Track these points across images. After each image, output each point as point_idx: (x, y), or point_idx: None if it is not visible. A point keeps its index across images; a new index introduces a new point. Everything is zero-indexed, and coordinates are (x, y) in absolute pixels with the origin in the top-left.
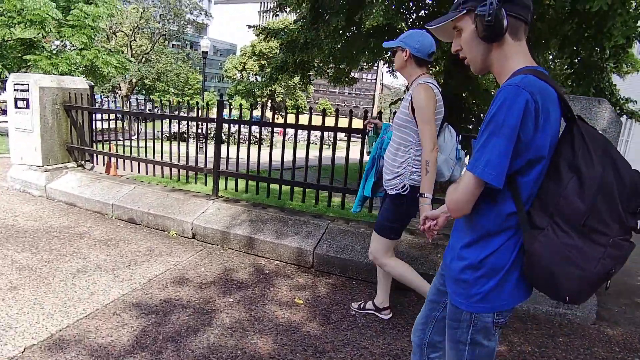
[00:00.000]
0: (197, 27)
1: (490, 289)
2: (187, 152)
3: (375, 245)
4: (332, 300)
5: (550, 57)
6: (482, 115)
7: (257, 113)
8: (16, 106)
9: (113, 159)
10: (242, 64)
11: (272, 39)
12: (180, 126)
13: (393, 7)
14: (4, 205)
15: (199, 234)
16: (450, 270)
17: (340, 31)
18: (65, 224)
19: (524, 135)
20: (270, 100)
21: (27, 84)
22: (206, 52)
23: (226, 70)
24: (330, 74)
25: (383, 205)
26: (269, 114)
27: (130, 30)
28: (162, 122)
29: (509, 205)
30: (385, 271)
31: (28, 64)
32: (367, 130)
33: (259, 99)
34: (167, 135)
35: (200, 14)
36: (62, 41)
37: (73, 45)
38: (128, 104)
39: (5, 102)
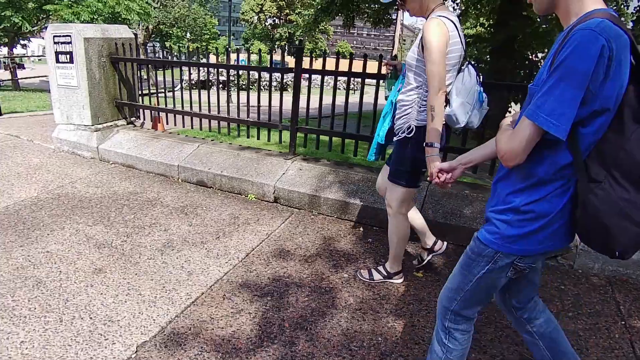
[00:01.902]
0: None
1: (528, 232)
2: (248, 104)
3: (389, 193)
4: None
5: None
6: (540, 62)
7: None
8: (58, 60)
9: (162, 114)
10: (260, 6)
11: None
12: (202, 73)
13: None
14: (57, 170)
15: (282, 198)
16: (489, 212)
17: None
18: (130, 189)
19: (592, 84)
20: (288, 44)
21: (70, 35)
22: None
23: (243, 12)
24: (370, 15)
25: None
26: (287, 58)
27: None
28: (189, 69)
29: (565, 155)
30: (392, 222)
31: (49, 15)
32: (387, 73)
33: (277, 42)
34: (187, 83)
35: None
36: None
37: None
38: (154, 53)
39: (12, 59)
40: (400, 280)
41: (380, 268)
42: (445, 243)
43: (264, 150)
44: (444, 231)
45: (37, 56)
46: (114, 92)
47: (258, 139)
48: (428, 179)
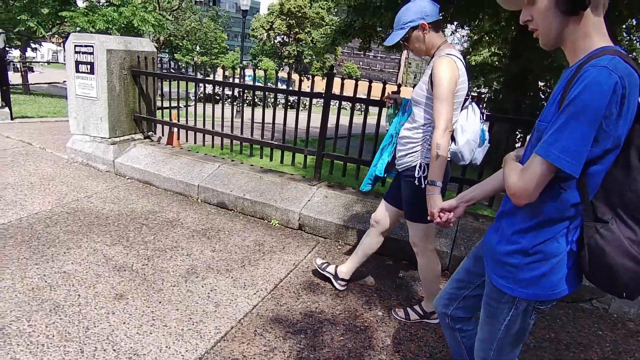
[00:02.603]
0: None
1: (540, 275)
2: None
3: (412, 231)
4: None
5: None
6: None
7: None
8: (78, 70)
9: (175, 129)
10: (270, 23)
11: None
12: (211, 88)
13: None
14: (71, 182)
15: (307, 225)
16: (496, 252)
17: None
18: (148, 207)
19: (606, 122)
20: (296, 62)
21: (92, 46)
22: (246, 11)
23: (253, 29)
24: (384, 40)
25: (402, 189)
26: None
27: None
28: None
29: (573, 194)
30: (421, 260)
31: (64, 21)
32: (387, 106)
33: (285, 60)
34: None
35: None
36: None
37: (107, 1)
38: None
39: (24, 63)
40: (437, 320)
41: (417, 307)
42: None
43: (286, 174)
44: None
45: (47, 62)
46: (133, 106)
47: (271, 160)
48: (429, 217)
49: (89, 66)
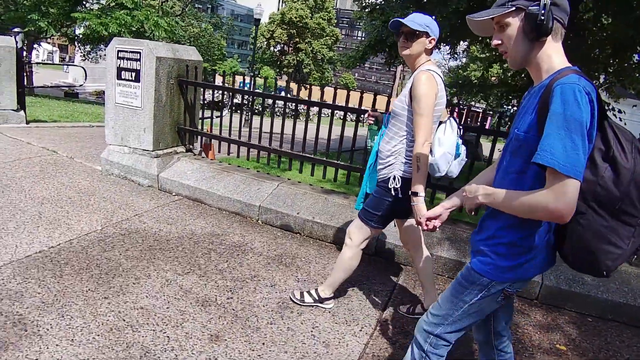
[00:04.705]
0: None
1: (521, 263)
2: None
3: (355, 226)
4: (593, 344)
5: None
6: None
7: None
8: (120, 77)
9: (213, 141)
10: (271, 32)
11: (379, 15)
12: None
13: None
14: (114, 198)
15: (385, 252)
16: (482, 245)
17: (460, 10)
18: (208, 229)
19: (587, 131)
20: (295, 71)
21: (139, 52)
22: (259, 20)
23: (253, 37)
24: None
25: (372, 193)
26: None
27: None
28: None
29: None
30: (345, 252)
31: (74, 21)
32: (368, 124)
33: (284, 69)
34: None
35: None
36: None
37: (117, 4)
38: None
39: (30, 65)
40: (331, 306)
41: (312, 291)
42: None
43: (352, 195)
44: (566, 298)
45: (42, 61)
46: (177, 117)
47: (312, 175)
48: (416, 224)
49: (134, 74)
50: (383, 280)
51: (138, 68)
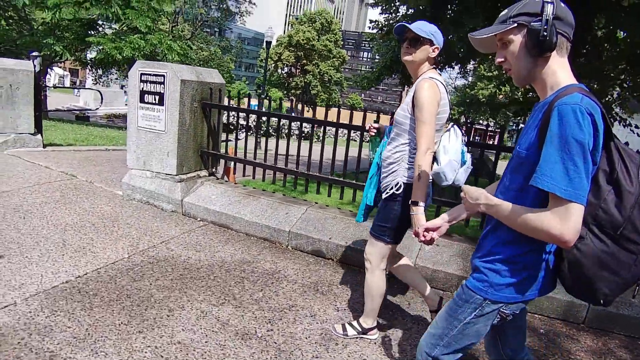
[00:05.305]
0: (229, 13)
1: (516, 281)
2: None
3: (370, 247)
4: None
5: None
6: None
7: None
8: (143, 100)
9: (231, 164)
10: (278, 55)
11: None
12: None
13: None
14: (138, 224)
15: (425, 278)
16: (478, 262)
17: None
18: (238, 256)
19: (590, 152)
20: (302, 93)
21: (163, 76)
22: (270, 43)
23: (261, 60)
24: None
25: (378, 206)
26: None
27: (173, 14)
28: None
29: None
30: (369, 277)
31: (89, 45)
32: (369, 136)
33: (292, 91)
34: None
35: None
36: (125, 24)
37: (130, 29)
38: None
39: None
40: (375, 336)
41: (355, 323)
42: None
43: None
44: (614, 321)
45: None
46: (200, 141)
47: (329, 195)
48: (413, 235)
49: (157, 97)
50: (424, 307)
51: (162, 91)
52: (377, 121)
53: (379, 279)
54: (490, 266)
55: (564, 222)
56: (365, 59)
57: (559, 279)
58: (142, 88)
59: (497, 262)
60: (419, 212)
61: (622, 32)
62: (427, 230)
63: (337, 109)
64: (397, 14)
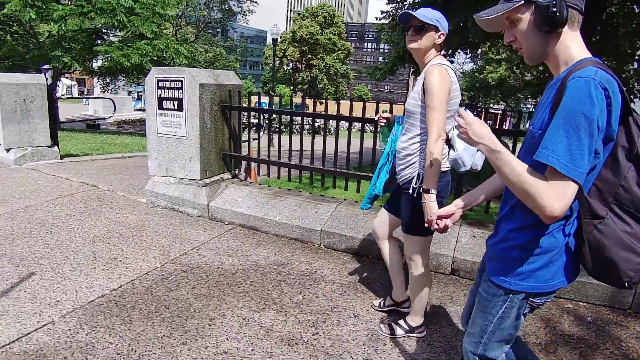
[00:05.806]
0: (231, 13)
1: (536, 268)
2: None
3: (408, 247)
4: None
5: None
6: None
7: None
8: (161, 107)
9: (253, 164)
10: (282, 51)
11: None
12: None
13: None
14: (166, 232)
15: (462, 270)
16: (495, 250)
17: None
18: (272, 258)
19: (599, 131)
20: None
21: (181, 81)
22: (276, 40)
23: (266, 57)
24: None
25: (401, 202)
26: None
27: (176, 17)
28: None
29: None
30: (414, 274)
31: (97, 55)
32: (379, 126)
33: (299, 86)
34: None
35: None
36: (131, 31)
37: (136, 35)
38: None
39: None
40: (424, 334)
41: (402, 322)
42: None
43: None
44: None
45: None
46: (222, 144)
47: (346, 190)
48: (426, 225)
49: (176, 102)
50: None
51: (180, 97)
52: (386, 112)
53: (425, 275)
54: (507, 254)
55: (557, 198)
56: (369, 50)
57: (581, 263)
58: (160, 95)
59: (513, 248)
60: (430, 200)
61: (636, 7)
62: (440, 217)
63: (349, 101)
64: (405, 2)
